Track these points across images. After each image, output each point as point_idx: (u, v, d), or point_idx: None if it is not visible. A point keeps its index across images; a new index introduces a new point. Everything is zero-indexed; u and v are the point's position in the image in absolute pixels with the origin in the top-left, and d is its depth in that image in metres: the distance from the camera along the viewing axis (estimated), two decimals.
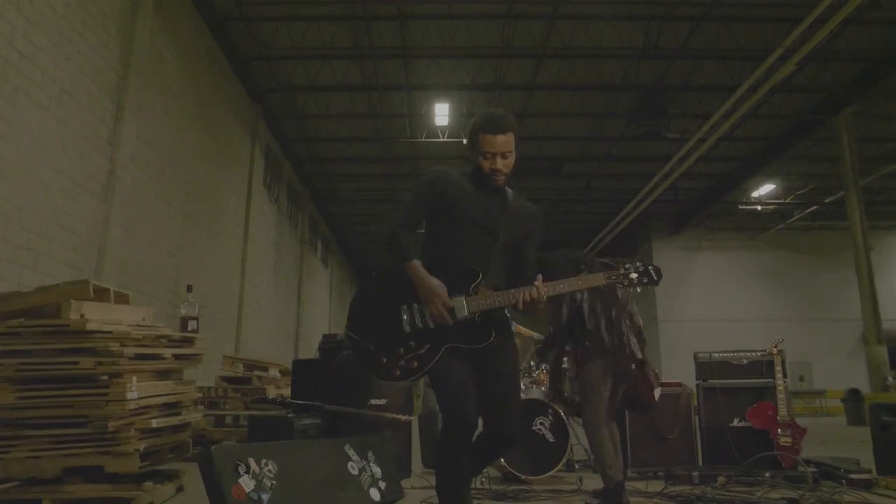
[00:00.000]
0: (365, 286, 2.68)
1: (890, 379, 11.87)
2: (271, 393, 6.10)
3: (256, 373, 6.47)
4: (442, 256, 2.56)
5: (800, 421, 4.92)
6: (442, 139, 15.03)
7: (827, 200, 18.46)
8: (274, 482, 2.41)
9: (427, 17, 11.54)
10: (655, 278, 2.62)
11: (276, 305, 15.49)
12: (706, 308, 21.86)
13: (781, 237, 22.02)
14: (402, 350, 2.41)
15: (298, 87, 13.67)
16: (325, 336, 4.37)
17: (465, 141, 2.66)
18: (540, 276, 2.49)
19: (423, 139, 15.31)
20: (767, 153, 16.38)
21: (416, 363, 2.39)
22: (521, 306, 2.44)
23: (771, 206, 19.92)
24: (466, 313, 2.43)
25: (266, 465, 2.43)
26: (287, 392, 6.28)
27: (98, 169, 7.45)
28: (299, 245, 18.31)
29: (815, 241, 21.88)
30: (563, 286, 2.53)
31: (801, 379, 21.02)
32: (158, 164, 8.96)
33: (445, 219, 2.60)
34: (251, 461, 2.39)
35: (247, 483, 2.32)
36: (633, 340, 3.89)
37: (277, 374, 6.57)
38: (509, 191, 2.69)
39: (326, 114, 14.73)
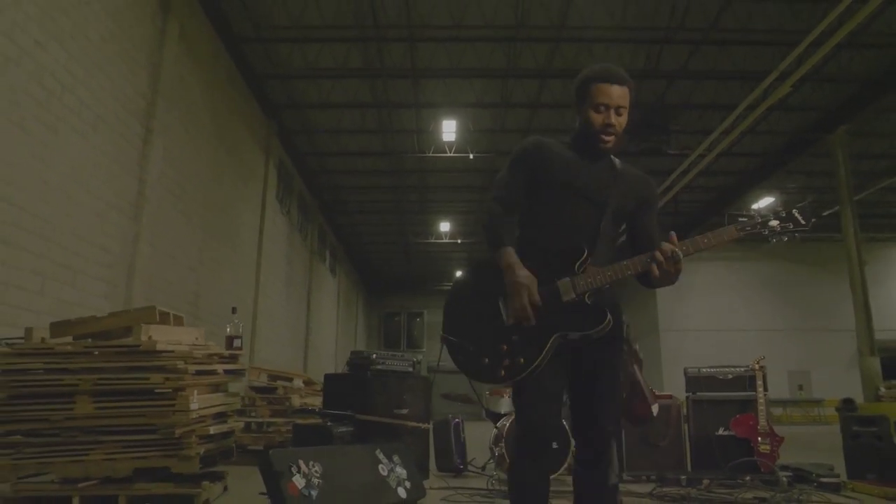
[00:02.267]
0: (457, 284, 2.40)
1: (882, 389, 12.23)
2: (297, 402, 6.56)
3: (280, 382, 6.92)
4: (542, 234, 2.29)
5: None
6: (449, 154, 15.52)
7: (825, 213, 18.84)
8: (320, 481, 2.87)
9: (436, 40, 11.97)
10: (804, 222, 2.20)
11: (287, 315, 15.86)
12: (707, 318, 22.25)
13: (781, 248, 22.35)
14: (506, 346, 2.13)
15: (311, 104, 14.13)
16: (353, 352, 4.83)
17: (573, 95, 2.35)
18: (673, 233, 2.17)
19: (430, 154, 15.79)
20: (765, 168, 16.81)
21: (521, 359, 2.10)
22: (654, 272, 2.11)
23: None
24: (574, 295, 2.14)
25: (313, 466, 2.88)
26: (310, 400, 6.75)
27: (128, 190, 7.88)
28: (309, 255, 18.71)
29: (814, 252, 22.26)
30: (701, 242, 2.20)
31: (800, 388, 21.32)
32: (180, 182, 9.36)
33: (544, 191, 2.30)
34: (301, 463, 2.85)
35: (299, 481, 2.78)
36: (635, 368, 4.32)
37: (301, 384, 7.02)
38: (615, 159, 2.40)
39: (338, 129, 15.20)
